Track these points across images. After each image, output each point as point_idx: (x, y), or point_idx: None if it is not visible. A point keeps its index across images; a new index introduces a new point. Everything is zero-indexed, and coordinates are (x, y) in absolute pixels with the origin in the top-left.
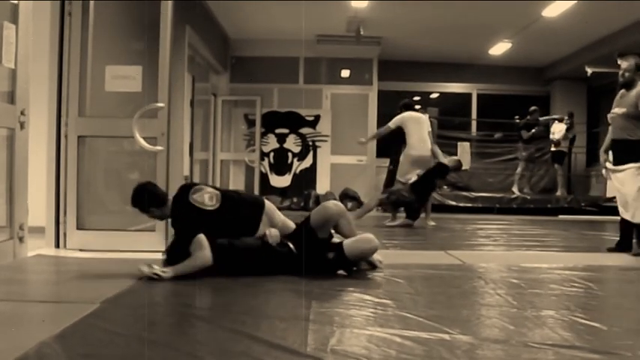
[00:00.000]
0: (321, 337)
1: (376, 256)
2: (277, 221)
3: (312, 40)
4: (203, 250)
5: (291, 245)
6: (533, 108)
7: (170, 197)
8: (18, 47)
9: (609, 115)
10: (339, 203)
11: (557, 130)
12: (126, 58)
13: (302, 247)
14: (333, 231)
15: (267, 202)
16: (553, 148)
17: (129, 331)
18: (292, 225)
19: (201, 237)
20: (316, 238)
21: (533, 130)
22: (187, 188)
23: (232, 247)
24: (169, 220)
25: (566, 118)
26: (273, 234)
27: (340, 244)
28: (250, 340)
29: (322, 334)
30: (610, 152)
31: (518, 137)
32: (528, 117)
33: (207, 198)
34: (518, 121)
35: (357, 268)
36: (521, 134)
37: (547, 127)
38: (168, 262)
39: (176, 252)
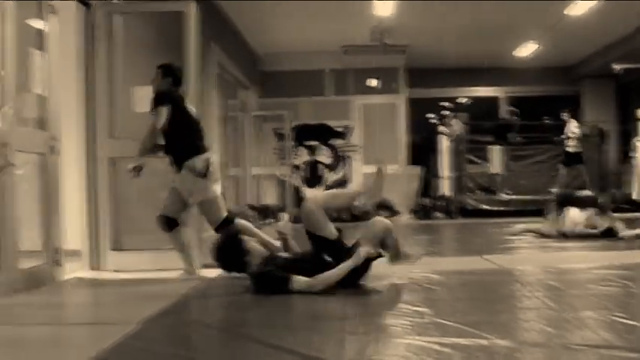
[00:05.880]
0: (359, 348)
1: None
2: None
3: (338, 52)
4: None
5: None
6: (510, 109)
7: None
8: (46, 73)
9: None
10: (387, 220)
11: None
12: None
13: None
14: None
15: None
16: (569, 149)
17: (168, 351)
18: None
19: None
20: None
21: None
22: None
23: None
24: None
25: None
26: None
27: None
28: (288, 354)
29: (359, 344)
30: None
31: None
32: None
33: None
34: (548, 121)
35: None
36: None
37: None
38: None
39: None
